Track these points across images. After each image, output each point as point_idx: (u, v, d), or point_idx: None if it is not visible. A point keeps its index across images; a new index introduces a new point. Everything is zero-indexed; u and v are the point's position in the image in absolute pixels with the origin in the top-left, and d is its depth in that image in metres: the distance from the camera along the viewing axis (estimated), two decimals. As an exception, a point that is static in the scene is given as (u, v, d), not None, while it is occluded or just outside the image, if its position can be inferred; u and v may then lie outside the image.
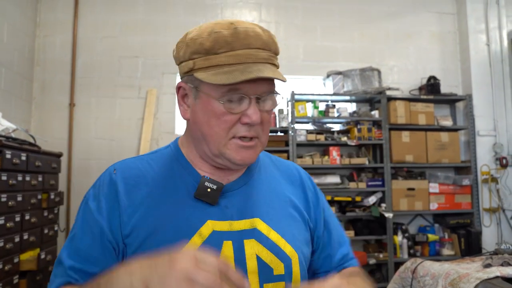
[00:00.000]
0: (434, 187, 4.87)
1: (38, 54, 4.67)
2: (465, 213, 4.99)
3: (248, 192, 0.98)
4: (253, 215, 0.95)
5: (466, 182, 4.93)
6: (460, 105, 5.33)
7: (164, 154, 1.03)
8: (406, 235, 4.69)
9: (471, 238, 4.72)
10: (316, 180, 4.54)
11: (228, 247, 0.89)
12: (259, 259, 0.91)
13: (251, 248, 0.91)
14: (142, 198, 0.92)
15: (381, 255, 4.52)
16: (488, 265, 2.22)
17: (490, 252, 2.56)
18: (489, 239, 4.93)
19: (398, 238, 4.65)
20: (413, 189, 4.75)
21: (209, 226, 0.90)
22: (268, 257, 0.92)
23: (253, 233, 0.93)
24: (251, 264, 0.90)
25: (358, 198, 4.60)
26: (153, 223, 0.89)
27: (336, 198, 4.52)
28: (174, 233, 0.88)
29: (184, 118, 0.99)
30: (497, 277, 2.09)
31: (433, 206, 4.84)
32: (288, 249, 0.95)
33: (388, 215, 4.48)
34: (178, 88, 0.98)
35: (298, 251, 0.97)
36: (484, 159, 5.22)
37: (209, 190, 0.92)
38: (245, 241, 0.91)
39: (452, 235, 4.89)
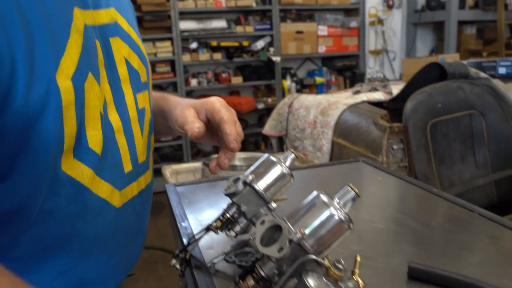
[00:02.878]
0: (322, 30, 4.81)
1: None
2: (351, 55, 5.09)
3: None
4: (108, 4, 0.68)
5: (354, 24, 4.93)
6: None
7: None
8: (295, 79, 4.72)
9: (356, 79, 4.88)
10: (201, 25, 4.25)
11: (98, 48, 0.63)
12: (128, 63, 0.70)
13: (118, 49, 0.67)
14: None
15: (269, 100, 4.56)
16: (357, 92, 2.22)
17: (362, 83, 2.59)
18: (372, 79, 5.15)
19: (287, 82, 4.67)
20: (301, 32, 4.66)
21: (79, 18, 0.59)
22: (135, 61, 0.72)
23: (116, 29, 0.69)
24: (122, 71, 0.68)
25: (245, 43, 4.42)
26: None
27: (222, 44, 4.32)
28: (48, 31, 0.52)
29: None
30: (363, 102, 2.11)
31: (321, 49, 4.84)
32: (144, 49, 0.75)
33: (276, 59, 4.41)
34: None
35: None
36: (372, 1, 5.20)
37: None
38: (110, 40, 0.66)
39: (338, 77, 5.02)
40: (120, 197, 0.65)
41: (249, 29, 4.39)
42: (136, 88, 0.70)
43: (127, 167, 0.66)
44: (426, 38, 5.60)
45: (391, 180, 1.31)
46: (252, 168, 0.78)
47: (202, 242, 0.90)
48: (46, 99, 0.50)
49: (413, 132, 1.72)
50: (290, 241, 0.57)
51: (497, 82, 2.04)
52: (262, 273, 0.60)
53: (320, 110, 2.17)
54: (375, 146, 1.78)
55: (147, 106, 0.74)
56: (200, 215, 1.03)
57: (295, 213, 0.61)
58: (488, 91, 1.94)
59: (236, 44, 4.38)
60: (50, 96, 0.50)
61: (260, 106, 4.47)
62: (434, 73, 1.99)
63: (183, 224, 1.00)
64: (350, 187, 0.61)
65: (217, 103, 0.76)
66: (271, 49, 4.49)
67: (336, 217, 0.58)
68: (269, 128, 2.72)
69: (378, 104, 2.14)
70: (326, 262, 0.57)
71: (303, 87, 4.81)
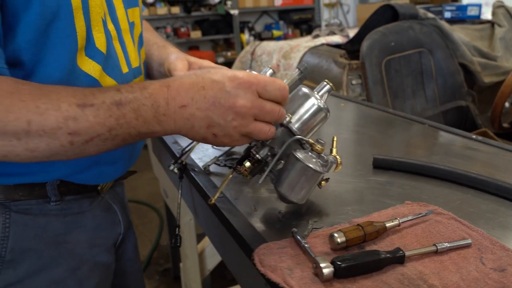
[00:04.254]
0: (278, -17, 4.86)
1: None
2: (307, 8, 5.18)
3: None
4: None
5: (308, -24, 5.00)
6: None
7: None
8: (253, 32, 4.79)
9: (311, 30, 5.00)
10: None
11: None
12: None
13: None
14: None
15: (229, 54, 4.63)
16: (316, 36, 2.35)
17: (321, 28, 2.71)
18: (327, 31, 5.28)
19: (245, 36, 4.73)
20: (257, -15, 4.70)
21: None
22: None
23: None
24: None
25: (203, -3, 4.43)
26: None
27: (180, -2, 4.31)
28: None
29: None
30: (323, 44, 2.24)
31: (278, 2, 4.90)
32: None
33: (234, 12, 4.45)
34: None
35: None
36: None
37: None
38: None
39: (295, 31, 5.12)
40: None
41: (206, -18, 4.39)
42: (127, 4, 0.78)
43: (124, 69, 0.75)
44: (377, -9, 5.75)
45: (352, 105, 1.47)
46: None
47: (193, 156, 1.02)
48: (59, 2, 0.60)
49: (369, 68, 1.88)
50: (281, 124, 0.70)
51: (443, 23, 2.21)
52: (258, 156, 0.72)
53: (283, 54, 2.28)
54: (336, 82, 1.92)
55: (137, 21, 0.82)
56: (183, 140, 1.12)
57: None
58: (435, 31, 2.12)
59: (194, -3, 4.38)
60: (61, 1, 0.60)
61: (220, 60, 4.53)
62: (387, 14, 2.14)
63: (173, 143, 1.12)
64: (326, 82, 0.75)
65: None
66: (228, 3, 4.51)
67: (316, 105, 0.71)
68: (233, 76, 2.81)
69: (336, 46, 2.28)
70: (310, 140, 0.70)
71: (261, 40, 4.89)
